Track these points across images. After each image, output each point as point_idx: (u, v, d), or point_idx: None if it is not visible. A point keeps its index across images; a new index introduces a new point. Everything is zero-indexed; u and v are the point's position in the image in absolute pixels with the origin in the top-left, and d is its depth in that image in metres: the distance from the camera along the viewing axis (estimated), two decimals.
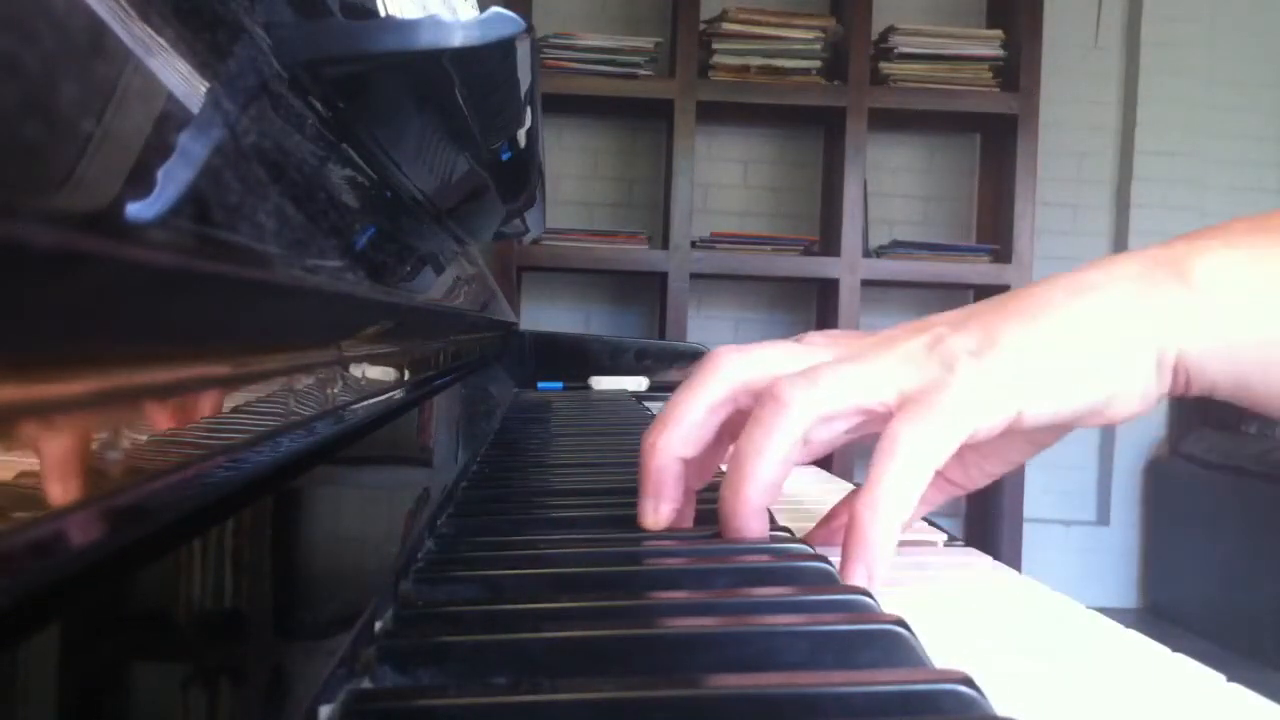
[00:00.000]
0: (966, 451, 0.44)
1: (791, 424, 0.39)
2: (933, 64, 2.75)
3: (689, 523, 0.44)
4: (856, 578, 0.37)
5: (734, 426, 0.43)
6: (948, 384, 0.39)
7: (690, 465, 0.43)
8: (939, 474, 0.45)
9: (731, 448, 0.42)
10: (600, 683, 0.25)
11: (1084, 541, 3.09)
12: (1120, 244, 3.03)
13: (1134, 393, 0.40)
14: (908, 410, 0.39)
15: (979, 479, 0.47)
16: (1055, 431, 0.43)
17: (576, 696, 0.24)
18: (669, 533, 0.43)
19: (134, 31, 0.17)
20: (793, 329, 3.00)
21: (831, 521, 0.46)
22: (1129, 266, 0.41)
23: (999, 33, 2.78)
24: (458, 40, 0.38)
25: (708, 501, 0.44)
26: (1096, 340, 0.40)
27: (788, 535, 0.42)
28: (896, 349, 0.41)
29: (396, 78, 0.40)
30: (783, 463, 0.40)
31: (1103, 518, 3.12)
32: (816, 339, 0.45)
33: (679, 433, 0.42)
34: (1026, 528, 2.84)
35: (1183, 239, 0.42)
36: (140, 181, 0.15)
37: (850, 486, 0.58)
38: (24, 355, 0.12)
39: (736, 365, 0.43)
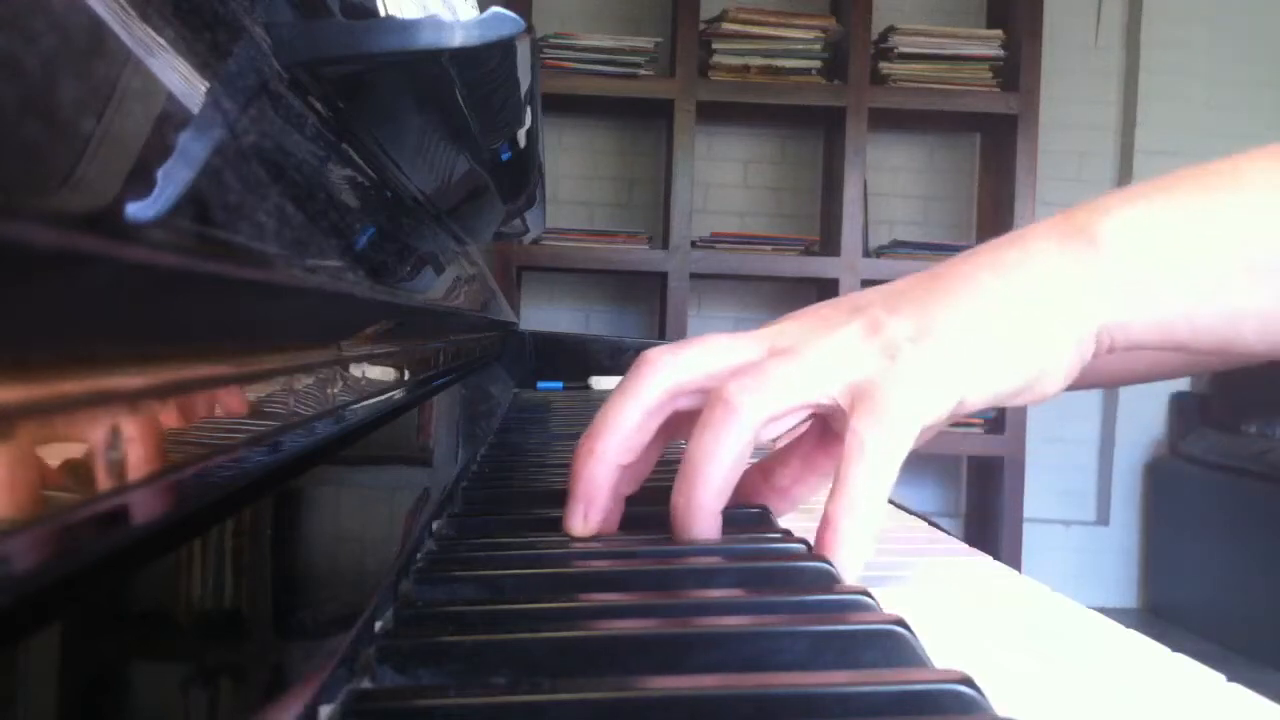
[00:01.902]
0: None
1: (742, 428, 0.39)
2: (933, 64, 2.75)
3: (615, 527, 0.43)
4: None
5: (669, 427, 0.43)
6: (895, 377, 0.39)
7: (625, 471, 0.42)
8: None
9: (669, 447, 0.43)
10: (600, 683, 0.25)
11: (1084, 541, 3.09)
12: None
13: (1060, 368, 0.41)
14: (864, 408, 0.39)
15: None
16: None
17: (576, 696, 0.24)
18: (667, 534, 0.43)
19: (134, 31, 0.17)
20: None
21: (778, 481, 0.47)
22: (1043, 241, 0.42)
23: (999, 33, 2.78)
24: (458, 40, 0.38)
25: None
26: (1023, 321, 0.41)
27: (787, 535, 0.42)
28: (834, 336, 0.41)
29: (396, 78, 0.40)
30: (734, 466, 0.40)
31: (1103, 518, 3.12)
32: (750, 333, 0.45)
33: (615, 440, 0.42)
34: (1026, 528, 2.84)
35: (1084, 204, 0.43)
36: (140, 181, 0.15)
37: None
38: (24, 355, 0.12)
39: (670, 367, 0.42)
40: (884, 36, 2.78)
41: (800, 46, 2.73)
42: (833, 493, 0.38)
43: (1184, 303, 0.41)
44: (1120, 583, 3.09)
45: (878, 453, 0.38)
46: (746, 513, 0.45)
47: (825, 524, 0.38)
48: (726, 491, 0.40)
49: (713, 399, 0.40)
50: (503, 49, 0.45)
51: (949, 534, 0.52)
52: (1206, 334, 0.42)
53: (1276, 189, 0.42)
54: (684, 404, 0.42)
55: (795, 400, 0.40)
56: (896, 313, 0.41)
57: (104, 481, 0.14)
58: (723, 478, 0.40)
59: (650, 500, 0.44)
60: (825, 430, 0.45)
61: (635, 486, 0.44)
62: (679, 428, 0.43)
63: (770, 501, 0.47)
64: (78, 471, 0.14)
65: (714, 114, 2.80)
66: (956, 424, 0.48)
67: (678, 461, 0.41)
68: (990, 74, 2.76)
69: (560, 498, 0.42)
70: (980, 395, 0.40)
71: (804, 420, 0.42)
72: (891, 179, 3.04)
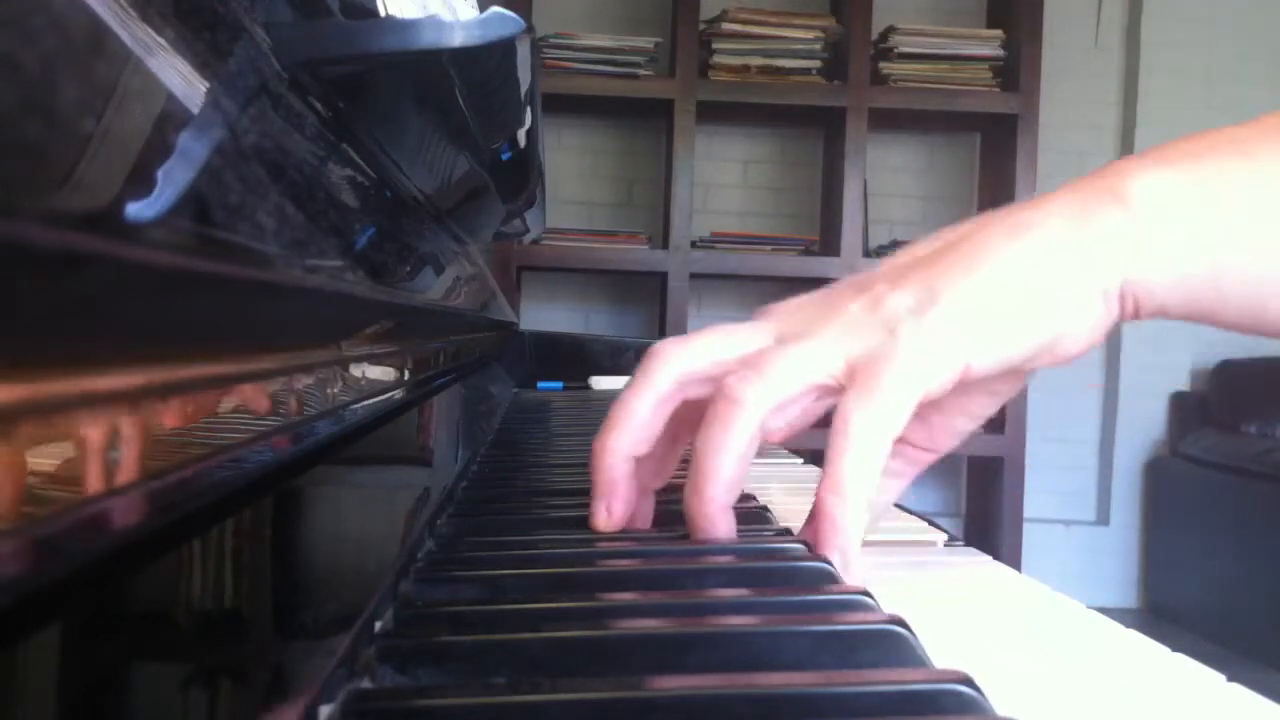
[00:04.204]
0: (928, 411, 0.44)
1: (747, 419, 0.39)
2: (933, 64, 2.75)
3: (648, 523, 0.44)
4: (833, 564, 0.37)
5: (684, 419, 0.43)
6: (891, 351, 0.39)
7: (645, 464, 0.43)
8: (905, 443, 0.45)
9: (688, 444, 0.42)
10: (600, 683, 0.25)
11: (1084, 541, 3.09)
12: None
13: (1083, 327, 0.40)
14: (854, 386, 0.39)
15: (947, 439, 0.46)
16: (1011, 379, 0.43)
17: (576, 696, 0.24)
18: (669, 533, 0.43)
19: (134, 31, 0.17)
20: None
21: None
22: (1065, 200, 0.41)
23: (999, 33, 2.78)
24: (458, 40, 0.38)
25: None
26: (1037, 280, 0.40)
27: (787, 534, 0.42)
28: (838, 317, 0.41)
29: (396, 78, 0.40)
30: (741, 458, 0.40)
31: (1103, 518, 3.12)
32: (761, 317, 0.45)
33: (628, 432, 0.42)
34: (1026, 528, 2.84)
35: (1114, 164, 0.41)
36: (140, 181, 0.15)
37: None
38: (24, 355, 0.12)
39: (678, 357, 0.43)
40: (884, 36, 2.78)
41: (800, 46, 2.73)
42: (822, 480, 0.38)
43: (1212, 266, 0.39)
44: (1120, 583, 3.09)
45: (863, 434, 0.38)
46: (746, 511, 0.45)
47: (817, 511, 0.38)
48: (737, 485, 0.40)
49: (716, 394, 0.40)
50: (503, 49, 0.45)
51: (949, 534, 0.52)
52: (1235, 302, 0.40)
53: None
54: (694, 393, 0.43)
55: (797, 386, 0.40)
56: (900, 286, 0.40)
57: (104, 481, 0.14)
58: (731, 471, 0.40)
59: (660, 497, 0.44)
60: None
61: (661, 481, 0.44)
62: (694, 424, 0.43)
63: None
64: (78, 471, 0.14)
65: (714, 114, 2.80)
66: None
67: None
68: (990, 74, 2.76)
69: (561, 496, 0.42)
70: (987, 360, 0.39)
71: (813, 402, 0.42)
72: (891, 179, 3.04)
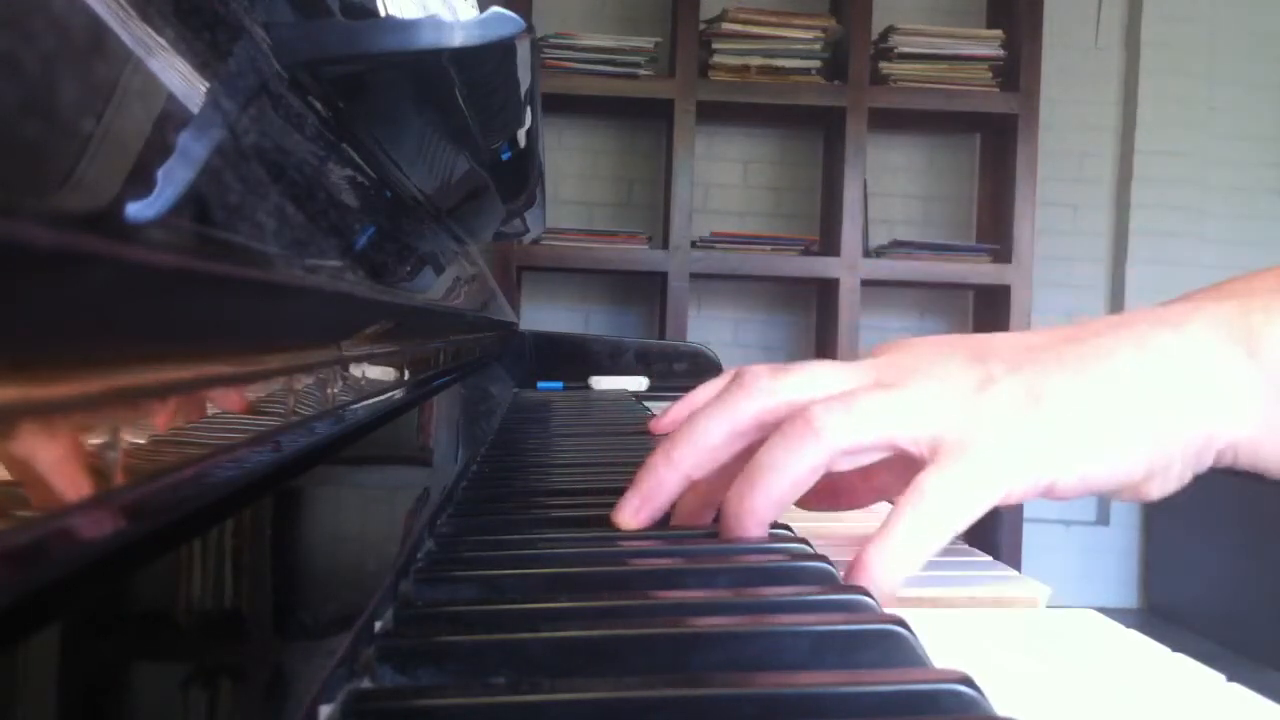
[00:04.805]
0: (869, 474, 0.44)
1: (818, 448, 0.38)
2: (933, 64, 2.75)
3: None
4: None
5: (752, 452, 0.42)
6: (984, 443, 0.38)
7: (704, 484, 0.42)
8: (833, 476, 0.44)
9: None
10: (600, 683, 0.25)
11: (1084, 541, 3.09)
12: (1120, 244, 3.03)
13: (1173, 474, 0.39)
14: (937, 465, 0.38)
15: (867, 498, 0.47)
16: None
17: (576, 696, 0.24)
18: (669, 532, 0.43)
19: (134, 31, 0.17)
20: (792, 329, 3.00)
21: (836, 482, 0.45)
22: (1205, 333, 0.39)
23: (999, 33, 2.78)
24: (458, 40, 0.38)
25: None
26: (1148, 417, 0.38)
27: (789, 534, 0.42)
28: (941, 382, 0.39)
29: (396, 78, 0.40)
30: (797, 484, 0.39)
31: (1103, 518, 3.11)
32: (861, 362, 0.43)
33: (694, 453, 0.41)
34: (1026, 528, 2.84)
35: (1270, 294, 0.39)
36: (140, 181, 0.15)
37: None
38: (24, 355, 0.12)
39: (768, 392, 0.41)
40: (884, 36, 2.78)
41: (800, 46, 2.72)
42: (875, 535, 0.37)
43: None
44: (1120, 583, 3.09)
45: (933, 513, 0.37)
46: None
47: (858, 560, 0.37)
48: (783, 505, 0.39)
49: (795, 414, 0.39)
50: (503, 49, 0.45)
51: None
52: None
53: None
54: (771, 433, 0.41)
55: (879, 436, 0.39)
56: (1016, 372, 0.39)
57: (104, 481, 0.14)
58: (783, 492, 0.39)
59: None
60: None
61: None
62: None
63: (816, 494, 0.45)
64: (78, 471, 0.14)
65: (714, 114, 2.80)
66: None
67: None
68: (990, 74, 2.75)
69: (561, 496, 0.42)
70: (1073, 483, 0.38)
71: (884, 460, 0.40)
72: (891, 179, 3.04)
